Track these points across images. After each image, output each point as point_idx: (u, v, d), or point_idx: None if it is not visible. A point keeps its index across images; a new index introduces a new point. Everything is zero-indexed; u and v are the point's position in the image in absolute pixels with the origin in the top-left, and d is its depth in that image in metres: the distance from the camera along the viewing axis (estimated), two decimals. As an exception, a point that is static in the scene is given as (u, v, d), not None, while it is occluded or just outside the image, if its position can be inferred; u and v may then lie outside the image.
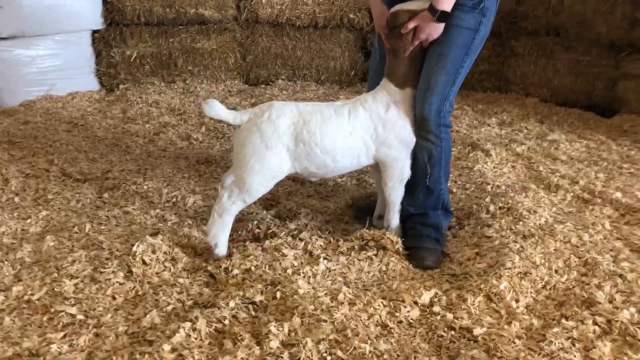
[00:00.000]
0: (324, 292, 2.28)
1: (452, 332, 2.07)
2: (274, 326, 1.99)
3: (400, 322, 2.15)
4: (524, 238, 2.77)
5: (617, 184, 3.67)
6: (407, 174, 2.64)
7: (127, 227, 2.80)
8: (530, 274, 2.43)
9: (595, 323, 2.13)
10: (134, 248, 2.47)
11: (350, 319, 2.09)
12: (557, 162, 4.08)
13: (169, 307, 2.14)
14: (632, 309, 2.22)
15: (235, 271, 2.40)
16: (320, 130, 2.50)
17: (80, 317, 2.05)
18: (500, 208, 3.14)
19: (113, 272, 2.33)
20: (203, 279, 2.39)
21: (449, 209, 2.80)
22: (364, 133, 2.56)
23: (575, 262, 2.59)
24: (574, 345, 2.00)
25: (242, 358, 1.84)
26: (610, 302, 2.27)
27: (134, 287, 2.26)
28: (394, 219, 2.73)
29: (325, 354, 1.89)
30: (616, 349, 2.00)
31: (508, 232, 2.85)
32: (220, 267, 2.43)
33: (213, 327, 2.01)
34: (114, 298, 2.20)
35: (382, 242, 2.62)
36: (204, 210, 3.04)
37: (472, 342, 2.01)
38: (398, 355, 1.90)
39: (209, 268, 2.44)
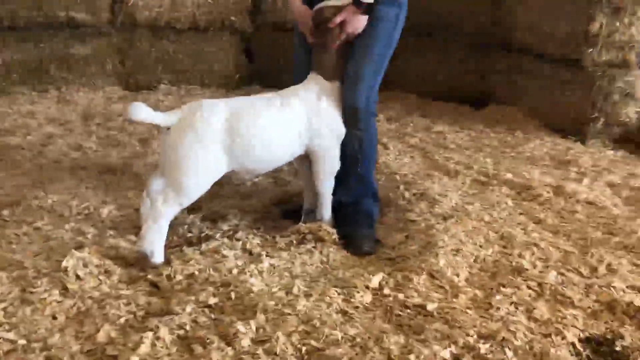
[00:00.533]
0: (278, 288, 2.26)
1: (408, 310, 2.16)
2: (241, 325, 1.95)
3: (357, 307, 2.19)
4: (444, 219, 2.96)
5: (504, 166, 4.02)
6: (337, 164, 2.70)
7: (43, 244, 2.56)
8: (461, 250, 2.60)
9: (529, 287, 2.33)
10: (64, 263, 2.27)
11: (312, 310, 2.10)
12: (448, 151, 4.39)
13: (122, 320, 2.01)
14: (554, 272, 2.46)
15: (179, 277, 2.31)
16: (255, 123, 2.48)
17: (21, 342, 1.86)
18: (414, 194, 3.33)
19: (46, 290, 2.13)
20: (145, 288, 2.26)
21: (377, 196, 2.90)
22: (298, 124, 2.58)
23: (493, 236, 2.82)
24: (517, 309, 2.18)
25: (221, 359, 1.78)
26: (534, 267, 2.50)
27: (75, 303, 2.08)
28: (327, 211, 2.77)
29: (299, 345, 1.89)
30: (550, 307, 2.21)
31: (428, 215, 3.03)
32: (162, 274, 2.32)
33: (176, 335, 1.92)
34: (55, 318, 2.01)
35: (319, 234, 2.66)
36: (122, 220, 2.87)
37: (428, 316, 2.11)
38: (369, 337, 1.94)
39: (149, 277, 2.32)
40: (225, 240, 2.63)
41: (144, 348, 1.81)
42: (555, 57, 5.04)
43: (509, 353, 1.88)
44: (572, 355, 1.92)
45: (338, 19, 2.54)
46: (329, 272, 2.48)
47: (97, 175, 3.50)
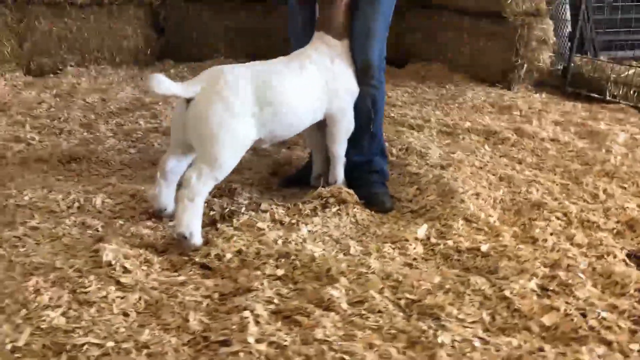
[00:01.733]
0: (335, 251, 2.23)
1: (466, 255, 2.23)
2: (332, 290, 1.90)
3: (415, 259, 2.22)
4: (443, 168, 3.06)
5: (458, 116, 4.21)
6: (352, 125, 2.67)
7: (55, 242, 2.29)
8: (480, 193, 2.71)
9: (557, 218, 2.50)
10: (105, 258, 2.06)
11: (385, 266, 2.10)
12: (397, 108, 4.49)
13: (203, 305, 1.87)
14: (566, 202, 2.66)
15: (229, 255, 2.18)
16: (282, 90, 2.39)
17: (110, 344, 1.67)
18: (400, 149, 3.39)
19: (99, 288, 1.92)
20: (197, 271, 2.12)
21: (385, 153, 2.92)
22: (317, 88, 2.52)
23: (493, 178, 2.97)
24: (559, 238, 2.33)
25: (333, 325, 1.73)
26: (548, 201, 2.67)
27: (140, 297, 1.90)
28: (341, 173, 2.75)
29: (396, 300, 1.89)
30: (585, 233, 2.39)
31: (426, 166, 3.11)
32: (209, 255, 2.18)
33: (269, 310, 1.83)
34: (127, 314, 1.82)
35: (341, 197, 2.63)
36: (122, 208, 2.64)
37: (488, 256, 2.20)
38: (454, 283, 1.98)
39: (197, 259, 2.17)
40: (252, 213, 2.52)
41: (253, 327, 1.70)
42: (476, 10, 5.30)
43: (583, 276, 2.01)
44: (627, 267, 2.10)
45: None
46: (365, 230, 2.48)
47: (60, 165, 3.16)
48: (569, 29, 5.71)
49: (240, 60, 6.10)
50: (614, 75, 4.95)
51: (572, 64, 5.09)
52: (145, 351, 1.65)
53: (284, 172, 3.13)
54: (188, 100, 2.30)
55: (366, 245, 2.28)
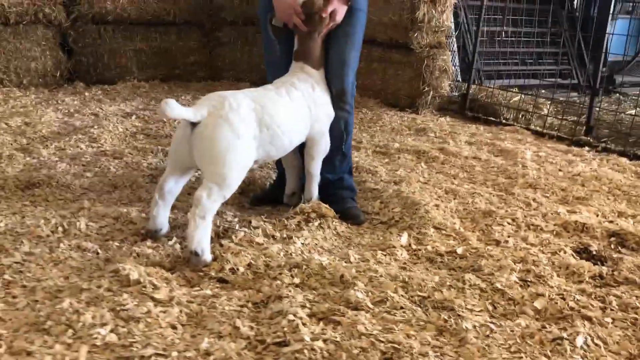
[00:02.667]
0: (338, 259, 2.46)
1: (447, 257, 2.56)
2: (354, 292, 2.13)
3: (405, 263, 2.52)
4: (397, 184, 3.41)
5: (383, 138, 4.62)
6: (329, 146, 2.92)
7: (61, 266, 2.28)
8: (439, 205, 3.08)
9: (508, 224, 2.92)
10: (133, 276, 2.12)
11: (386, 269, 2.36)
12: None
13: (244, 312, 2.01)
14: (509, 209, 3.10)
15: (241, 269, 2.33)
16: (277, 114, 2.58)
17: (174, 354, 1.76)
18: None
19: (137, 305, 1.99)
20: (215, 285, 2.24)
21: (352, 171, 3.19)
22: (303, 111, 2.73)
23: (440, 192, 3.37)
24: (516, 240, 2.74)
25: (369, 322, 1.96)
26: (497, 209, 3.10)
27: (180, 310, 1.99)
28: (316, 190, 2.98)
29: (413, 298, 2.16)
30: (533, 235, 2.83)
31: (382, 182, 3.44)
32: (224, 269, 2.31)
33: (306, 312, 2.01)
34: (174, 327, 1.91)
35: (322, 211, 2.86)
36: (110, 230, 2.66)
37: (464, 258, 2.55)
38: (452, 280, 2.30)
39: (212, 274, 2.29)
40: (245, 230, 2.67)
41: (303, 328, 1.88)
42: (385, 41, 5.81)
43: (549, 269, 2.42)
44: (577, 260, 2.55)
45: (330, 8, 2.75)
46: (350, 241, 2.73)
47: (19, 191, 3.07)
48: (457, 60, 6.45)
49: (153, 82, 6.15)
50: (504, 101, 5.67)
51: (471, 91, 5.74)
52: (210, 358, 1.76)
53: (250, 191, 3.29)
54: (193, 124, 2.42)
55: (361, 254, 2.53)
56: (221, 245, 2.49)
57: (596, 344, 1.90)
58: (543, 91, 6.78)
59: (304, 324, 1.92)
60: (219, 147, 2.38)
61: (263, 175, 3.50)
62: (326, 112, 2.85)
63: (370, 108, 5.69)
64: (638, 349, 1.91)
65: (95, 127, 4.30)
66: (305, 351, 1.78)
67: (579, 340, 1.88)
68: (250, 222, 2.76)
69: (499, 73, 6.85)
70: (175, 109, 2.28)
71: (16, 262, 2.27)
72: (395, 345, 1.81)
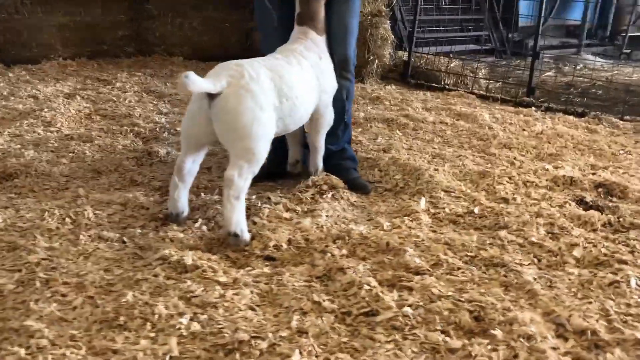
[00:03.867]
0: (374, 227, 2.47)
1: (468, 217, 2.65)
2: (411, 256, 2.16)
3: (431, 226, 2.58)
4: (386, 152, 3.47)
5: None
6: (333, 117, 2.88)
7: (94, 258, 2.11)
8: (438, 169, 3.16)
9: (507, 182, 3.06)
10: (187, 261, 2.02)
11: (420, 233, 2.41)
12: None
13: (317, 287, 1.98)
14: (499, 169, 3.25)
15: (284, 245, 2.28)
16: (294, 83, 2.50)
17: (270, 335, 1.70)
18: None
19: (206, 291, 1.89)
20: (265, 263, 2.18)
21: (350, 141, 3.18)
22: (313, 82, 2.67)
23: (428, 157, 3.46)
24: (521, 197, 2.89)
25: (438, 284, 2.00)
26: (486, 169, 3.24)
27: (251, 291, 1.92)
28: (321, 162, 2.94)
29: (460, 258, 2.22)
30: (534, 190, 2.99)
31: (371, 150, 3.49)
32: (268, 247, 2.25)
33: (377, 281, 2.01)
34: (252, 309, 1.84)
35: (333, 183, 2.85)
36: (122, 218, 2.49)
37: (483, 217, 2.65)
38: (489, 237, 2.39)
39: (257, 252, 2.22)
40: (268, 206, 2.60)
41: (384, 296, 1.88)
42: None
43: (566, 221, 2.58)
44: (584, 211, 2.73)
45: None
46: (367, 210, 2.75)
47: (-4, 183, 2.78)
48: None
49: (80, 59, 5.73)
50: (443, 67, 5.87)
51: (412, 59, 5.87)
52: (308, 334, 1.72)
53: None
54: (211, 97, 2.28)
55: (390, 221, 2.56)
56: (254, 223, 2.41)
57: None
58: (478, 57, 7.07)
59: (382, 292, 1.92)
60: (244, 120, 2.27)
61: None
62: (331, 84, 2.81)
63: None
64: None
65: (46, 109, 3.95)
66: (400, 317, 1.79)
67: (632, 282, 2.04)
68: (269, 198, 2.68)
69: (424, 41, 7.05)
70: (197, 82, 2.13)
71: (43, 259, 2.07)
72: (478, 304, 1.87)
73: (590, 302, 1.93)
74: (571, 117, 4.60)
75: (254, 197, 2.71)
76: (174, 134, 3.68)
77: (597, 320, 1.82)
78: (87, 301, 1.84)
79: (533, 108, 4.91)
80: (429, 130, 4.08)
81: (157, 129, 3.74)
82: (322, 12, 2.76)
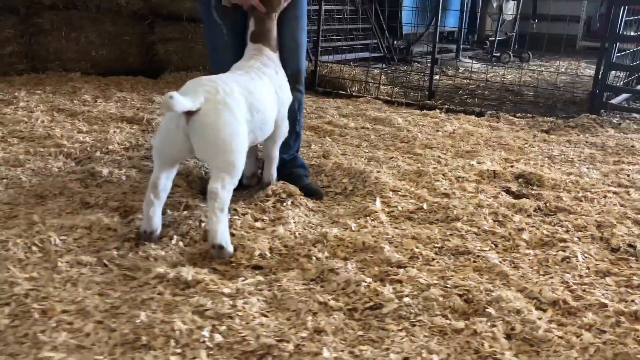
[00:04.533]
0: (345, 229, 2.62)
1: (419, 213, 2.88)
2: (389, 252, 2.34)
3: (392, 223, 2.78)
4: (325, 157, 3.64)
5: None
6: (288, 128, 2.99)
7: (85, 284, 2.06)
8: (380, 171, 3.38)
9: (442, 179, 3.34)
10: (187, 277, 2.04)
11: (394, 230, 2.61)
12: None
13: (318, 288, 2.09)
14: (431, 167, 3.54)
15: (267, 253, 2.36)
16: (261, 97, 2.59)
17: (293, 338, 1.79)
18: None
19: (215, 303, 1.93)
20: (254, 272, 2.25)
21: (299, 149, 3.30)
22: (273, 97, 2.77)
23: (364, 160, 3.67)
24: (463, 190, 3.18)
25: (421, 270, 2.20)
26: (419, 169, 3.52)
27: (257, 299, 1.99)
28: (275, 172, 3.04)
29: (434, 250, 2.44)
30: (469, 184, 3.30)
31: (314, 158, 3.63)
32: (253, 256, 2.32)
33: (372, 277, 2.16)
34: (265, 315, 1.92)
35: (290, 191, 2.96)
36: (92, 241, 2.42)
37: (433, 212, 2.90)
38: (448, 232, 2.63)
39: (244, 262, 2.29)
40: (237, 217, 2.66)
41: (383, 290, 2.04)
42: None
43: (504, 209, 2.90)
44: (515, 199, 3.07)
45: None
46: (328, 213, 2.89)
47: None
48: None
49: None
50: (346, 75, 6.16)
51: (319, 68, 6.10)
52: (327, 332, 1.84)
53: (189, 182, 3.19)
54: (187, 114, 2.32)
55: (356, 221, 2.72)
56: (232, 235, 2.46)
57: (585, 257, 2.40)
58: (375, 63, 7.45)
59: (378, 287, 2.08)
60: (224, 134, 2.33)
61: (198, 165, 3.40)
62: (287, 96, 2.92)
63: (227, 90, 5.69)
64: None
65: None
66: (404, 307, 1.96)
67: (579, 256, 2.37)
68: (236, 209, 2.73)
69: (324, 49, 7.32)
70: (181, 102, 2.18)
71: (30, 290, 1.99)
72: (463, 288, 2.09)
73: (552, 277, 2.22)
74: (472, 117, 5.06)
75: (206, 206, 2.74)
76: (107, 153, 3.58)
77: (562, 292, 2.11)
78: (97, 326, 1.81)
79: (437, 110, 5.31)
80: (354, 135, 4.31)
81: (88, 149, 3.61)
82: (274, 30, 2.86)
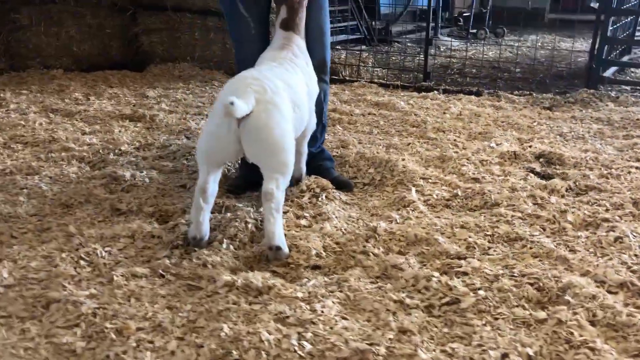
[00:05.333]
0: (386, 222, 2.59)
1: (455, 201, 2.87)
2: (447, 244, 2.33)
3: (433, 213, 2.77)
4: (345, 147, 3.60)
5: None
6: (316, 121, 2.92)
7: (149, 297, 1.98)
8: (404, 159, 3.36)
9: (466, 163, 3.34)
10: (257, 284, 1.98)
11: (443, 222, 2.59)
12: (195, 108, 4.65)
13: (388, 287, 2.06)
14: (452, 152, 3.54)
15: (322, 252, 2.32)
16: (300, 91, 2.53)
17: (389, 336, 1.77)
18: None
19: (294, 309, 1.89)
20: (315, 273, 2.21)
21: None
22: (306, 88, 2.70)
23: (382, 148, 3.64)
24: (486, 172, 3.19)
25: (482, 260, 2.20)
26: (441, 154, 3.51)
27: (332, 301, 1.95)
28: (304, 166, 2.99)
29: (487, 238, 2.44)
30: (486, 164, 3.30)
31: (332, 148, 3.57)
32: (309, 255, 2.28)
33: (438, 270, 2.15)
34: (345, 318, 1.88)
35: (322, 185, 2.92)
36: (139, 250, 2.33)
37: (468, 198, 2.89)
38: (493, 219, 2.64)
39: (302, 263, 2.25)
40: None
41: (455, 283, 2.03)
42: (220, 10, 5.67)
43: (539, 191, 2.91)
44: (545, 180, 3.10)
45: None
46: (363, 206, 2.86)
47: (-39, 235, 2.45)
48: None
49: None
50: (336, 59, 6.09)
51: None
52: (413, 331, 1.82)
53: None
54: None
55: (399, 213, 2.70)
56: (284, 234, 2.41)
57: (635, 236, 2.43)
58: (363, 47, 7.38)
59: (449, 281, 2.06)
60: (276, 136, 2.27)
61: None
62: (316, 88, 2.86)
63: (218, 80, 5.58)
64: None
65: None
66: (481, 300, 1.95)
67: (630, 236, 2.40)
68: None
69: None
70: (242, 107, 2.13)
71: (96, 307, 1.91)
72: (532, 276, 2.09)
73: (610, 259, 2.25)
74: (472, 97, 5.08)
75: (246, 207, 2.69)
76: (120, 154, 3.46)
77: (625, 273, 2.14)
78: (181, 343, 1.75)
79: (435, 92, 5.31)
80: (363, 122, 4.27)
81: (100, 151, 3.48)
82: (302, 18, 2.78)
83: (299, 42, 2.76)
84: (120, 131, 3.92)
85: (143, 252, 2.33)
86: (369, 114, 4.49)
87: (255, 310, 1.88)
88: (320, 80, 2.94)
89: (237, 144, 2.26)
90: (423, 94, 5.28)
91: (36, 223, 2.58)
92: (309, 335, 1.78)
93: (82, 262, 2.22)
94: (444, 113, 4.52)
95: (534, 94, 5.14)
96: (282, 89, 2.38)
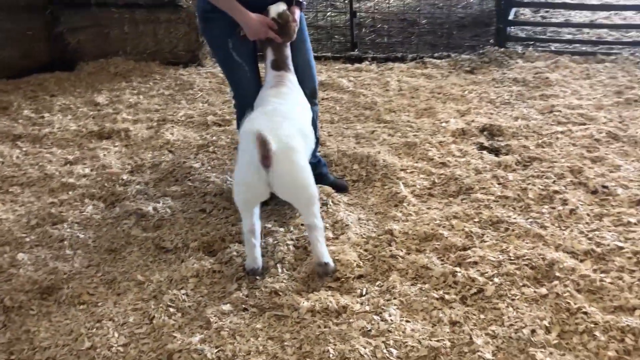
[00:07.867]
0: (398, 222, 3.18)
1: (435, 188, 3.50)
2: (458, 237, 2.97)
3: (425, 204, 3.38)
4: (323, 145, 4.07)
5: (217, 99, 4.97)
6: (314, 142, 3.35)
7: (247, 329, 2.46)
8: (380, 152, 3.91)
9: (437, 145, 3.96)
10: (332, 305, 2.52)
11: (441, 212, 3.22)
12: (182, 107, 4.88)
13: (428, 289, 2.67)
14: (421, 133, 4.14)
15: (361, 263, 2.87)
16: (305, 121, 2.97)
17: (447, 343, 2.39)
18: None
19: (370, 323, 2.46)
20: (363, 283, 2.77)
21: (315, 149, 3.71)
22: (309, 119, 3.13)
23: (347, 137, 4.17)
24: (464, 157, 3.83)
25: (492, 247, 2.87)
26: (412, 138, 4.09)
27: (394, 310, 2.54)
28: (310, 178, 3.46)
29: (482, 225, 3.11)
30: (467, 140, 3.95)
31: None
32: (353, 268, 2.82)
33: (470, 266, 2.78)
34: (409, 321, 2.48)
35: (326, 192, 3.43)
36: (210, 286, 2.76)
37: (444, 184, 3.53)
38: (475, 205, 3.29)
39: (349, 275, 2.78)
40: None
41: (482, 278, 2.68)
42: (147, 2, 5.73)
43: (495, 168, 3.60)
44: (499, 157, 3.79)
45: (297, 16, 3.09)
46: (362, 204, 3.41)
47: (35, 302, 2.74)
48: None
49: None
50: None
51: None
52: (461, 322, 2.46)
53: (223, 199, 3.51)
54: (265, 166, 2.57)
55: (401, 210, 3.28)
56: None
57: (581, 205, 3.20)
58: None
59: (470, 274, 2.71)
60: (300, 178, 2.67)
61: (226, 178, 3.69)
62: (310, 113, 3.27)
63: (158, 72, 5.72)
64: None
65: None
66: (498, 286, 2.62)
67: (580, 207, 3.16)
68: (297, 226, 3.16)
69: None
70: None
71: (217, 351, 2.36)
72: (524, 258, 2.78)
73: (572, 230, 2.99)
74: (401, 65, 5.64)
75: (282, 229, 3.15)
76: (123, 184, 3.72)
77: (586, 241, 2.89)
78: (303, 370, 2.27)
79: (367, 62, 5.81)
80: (321, 109, 4.70)
81: (105, 184, 3.71)
82: (290, 56, 3.15)
83: (290, 77, 3.14)
84: (104, 155, 4.11)
85: (214, 289, 2.76)
86: (323, 99, 4.91)
87: (344, 330, 2.43)
88: (312, 104, 3.37)
89: (268, 186, 2.63)
90: (356, 65, 5.76)
91: (98, 275, 2.89)
92: (390, 342, 2.36)
93: (170, 309, 2.62)
94: (387, 90, 5.05)
95: (452, 55, 5.79)
96: (293, 130, 2.76)
